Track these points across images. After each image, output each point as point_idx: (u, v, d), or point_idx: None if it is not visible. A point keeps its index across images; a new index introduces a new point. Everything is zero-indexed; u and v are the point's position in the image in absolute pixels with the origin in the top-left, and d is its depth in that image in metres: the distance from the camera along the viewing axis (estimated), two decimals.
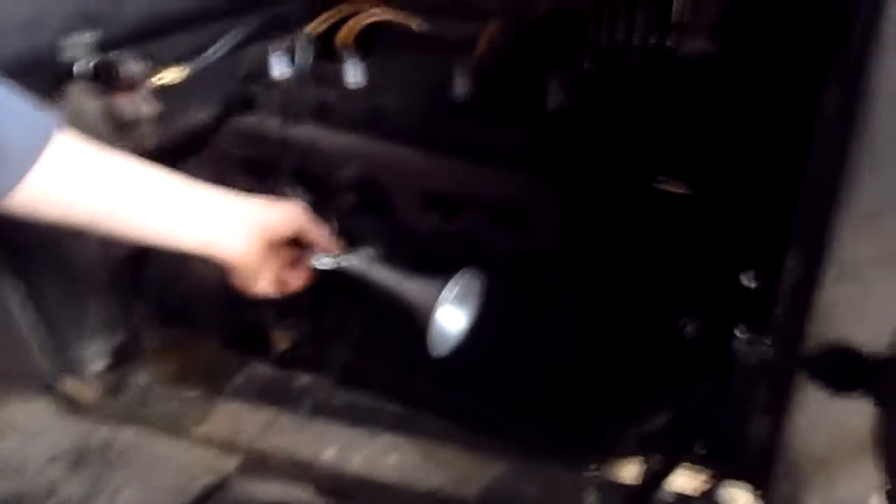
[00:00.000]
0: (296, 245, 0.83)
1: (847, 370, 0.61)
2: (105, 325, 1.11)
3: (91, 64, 0.91)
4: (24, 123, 0.63)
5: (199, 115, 1.11)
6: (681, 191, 0.90)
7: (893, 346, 0.58)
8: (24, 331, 1.05)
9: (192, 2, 1.04)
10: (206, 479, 0.97)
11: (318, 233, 0.83)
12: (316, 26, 1.12)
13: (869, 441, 0.59)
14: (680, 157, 0.89)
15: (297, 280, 0.83)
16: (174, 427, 1.04)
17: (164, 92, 0.99)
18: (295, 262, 0.83)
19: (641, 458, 0.96)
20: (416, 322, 0.79)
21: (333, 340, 1.13)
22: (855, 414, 0.61)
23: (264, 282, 0.81)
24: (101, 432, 1.04)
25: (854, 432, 0.62)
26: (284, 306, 1.09)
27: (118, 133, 0.98)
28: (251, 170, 1.08)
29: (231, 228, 0.75)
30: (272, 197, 0.81)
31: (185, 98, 1.06)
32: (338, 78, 1.08)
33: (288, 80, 1.08)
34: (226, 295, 0.92)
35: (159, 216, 0.71)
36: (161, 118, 1.02)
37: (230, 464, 0.99)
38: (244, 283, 0.79)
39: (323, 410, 1.06)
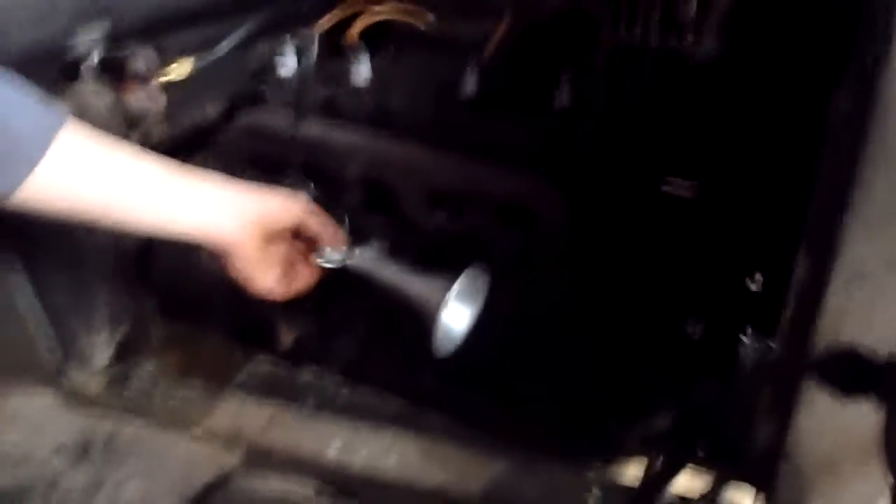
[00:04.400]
0: (300, 240, 0.81)
1: (855, 374, 0.60)
2: (110, 319, 1.12)
3: (100, 58, 0.91)
4: (33, 117, 0.63)
5: (206, 110, 1.12)
6: (688, 192, 0.90)
7: None
8: (29, 323, 1.05)
9: None
10: (209, 474, 0.97)
11: (321, 226, 0.80)
12: (325, 23, 1.13)
13: (875, 445, 0.59)
14: (688, 159, 0.89)
15: (302, 280, 0.81)
16: (178, 421, 1.04)
17: (172, 87, 0.99)
18: (300, 259, 0.81)
19: (645, 459, 0.96)
20: (421, 319, 0.79)
21: (338, 336, 1.13)
22: (861, 418, 0.61)
23: (268, 279, 0.79)
24: (105, 425, 1.05)
25: (860, 436, 0.62)
26: (289, 302, 1.09)
27: (126, 127, 0.98)
28: (258, 165, 1.08)
29: (224, 211, 0.74)
30: (274, 188, 0.79)
31: (193, 93, 1.06)
32: (346, 75, 1.08)
33: (296, 77, 1.08)
34: (231, 290, 0.92)
35: (152, 202, 0.70)
36: (169, 113, 1.02)
37: (233, 458, 0.99)
38: (244, 275, 0.77)
39: (327, 406, 1.06)
